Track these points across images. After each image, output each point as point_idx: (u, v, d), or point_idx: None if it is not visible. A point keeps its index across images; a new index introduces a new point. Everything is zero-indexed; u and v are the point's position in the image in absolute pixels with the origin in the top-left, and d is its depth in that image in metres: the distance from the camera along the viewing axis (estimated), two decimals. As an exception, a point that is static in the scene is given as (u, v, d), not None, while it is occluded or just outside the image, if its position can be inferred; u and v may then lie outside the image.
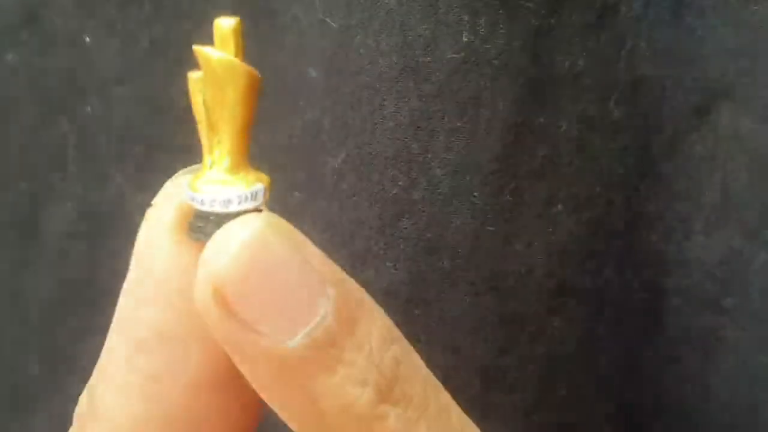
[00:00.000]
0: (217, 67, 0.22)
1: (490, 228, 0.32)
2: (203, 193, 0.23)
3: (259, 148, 0.37)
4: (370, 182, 0.32)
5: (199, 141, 0.23)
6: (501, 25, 0.31)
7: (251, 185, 0.23)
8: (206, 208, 0.23)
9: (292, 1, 0.35)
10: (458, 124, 0.31)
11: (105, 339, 0.25)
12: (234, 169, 0.23)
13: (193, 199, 0.23)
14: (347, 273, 0.33)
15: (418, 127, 0.31)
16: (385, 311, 0.31)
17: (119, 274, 0.25)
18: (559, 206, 0.32)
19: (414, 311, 0.32)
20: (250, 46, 0.37)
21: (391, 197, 0.32)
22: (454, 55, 0.31)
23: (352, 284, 0.23)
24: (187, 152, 0.33)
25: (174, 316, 0.24)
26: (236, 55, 0.23)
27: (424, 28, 0.31)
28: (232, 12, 0.36)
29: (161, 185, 0.25)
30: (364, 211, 0.32)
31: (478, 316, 0.32)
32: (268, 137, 0.37)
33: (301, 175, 0.36)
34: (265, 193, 0.23)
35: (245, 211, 0.23)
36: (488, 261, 0.32)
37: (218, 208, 0.23)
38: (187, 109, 0.23)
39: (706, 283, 0.34)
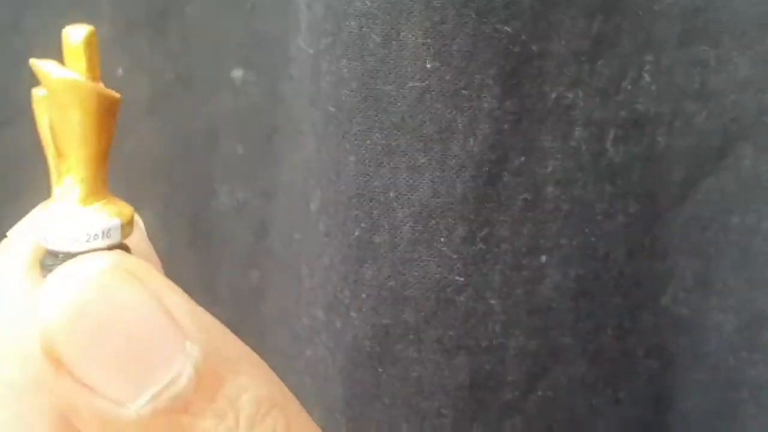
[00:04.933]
0: (58, 86, 0.19)
1: (459, 279, 0.28)
2: (49, 230, 0.20)
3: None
4: (337, 223, 0.29)
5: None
6: (473, 52, 0.27)
7: (105, 220, 0.20)
8: (52, 246, 0.20)
9: (297, 32, 0.32)
10: (422, 160, 0.28)
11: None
12: (86, 200, 0.20)
13: (40, 237, 0.20)
14: (320, 323, 0.30)
15: (380, 163, 0.28)
16: (350, 367, 0.28)
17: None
18: (543, 258, 0.28)
19: (377, 369, 0.29)
20: (264, 79, 0.34)
21: (354, 240, 0.28)
22: (417, 84, 0.27)
23: (224, 338, 0.20)
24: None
25: (30, 365, 0.21)
26: (88, 72, 0.20)
27: (385, 53, 0.27)
28: (239, 45, 0.34)
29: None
30: (334, 255, 0.29)
31: (446, 379, 0.29)
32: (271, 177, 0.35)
33: (296, 216, 0.33)
34: (122, 229, 0.20)
35: (96, 251, 0.20)
36: (458, 317, 0.28)
37: (65, 247, 0.20)
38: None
39: (725, 352, 0.30)
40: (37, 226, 0.20)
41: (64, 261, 0.20)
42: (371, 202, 0.28)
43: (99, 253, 0.19)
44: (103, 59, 0.39)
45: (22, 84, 0.33)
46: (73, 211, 0.20)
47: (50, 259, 0.20)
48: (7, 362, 0.21)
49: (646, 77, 0.29)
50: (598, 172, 0.29)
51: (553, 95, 0.28)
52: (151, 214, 0.37)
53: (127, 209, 0.20)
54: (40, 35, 0.33)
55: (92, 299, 0.19)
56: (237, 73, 0.35)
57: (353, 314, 0.29)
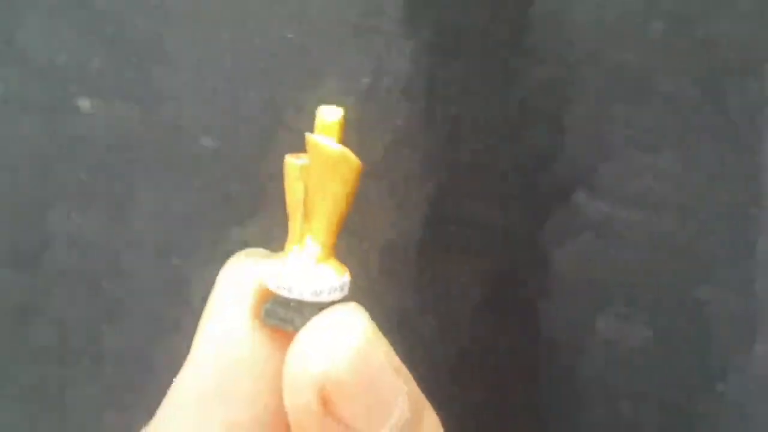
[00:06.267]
0: (331, 158, 0.22)
1: (412, 301, 0.34)
2: (292, 281, 0.23)
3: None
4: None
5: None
6: (429, 111, 0.33)
7: (340, 276, 0.23)
8: (294, 296, 0.23)
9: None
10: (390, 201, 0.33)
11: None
12: (322, 259, 0.23)
13: (279, 286, 0.23)
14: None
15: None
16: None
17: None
18: (464, 279, 0.35)
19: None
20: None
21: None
22: (389, 137, 0.32)
23: (413, 380, 0.24)
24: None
25: (254, 407, 0.23)
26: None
27: (362, 111, 0.32)
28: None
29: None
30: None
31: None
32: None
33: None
34: (350, 284, 0.23)
35: (332, 302, 0.23)
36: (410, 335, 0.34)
37: (308, 298, 0.23)
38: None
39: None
40: (270, 279, 0.23)
41: (297, 309, 0.23)
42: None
43: (353, 312, 0.23)
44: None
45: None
46: (314, 266, 0.23)
47: (281, 307, 0.23)
48: (235, 402, 0.23)
49: (524, 138, 0.36)
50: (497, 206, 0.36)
51: (469, 147, 0.35)
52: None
53: (345, 267, 0.24)
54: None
55: (365, 359, 0.22)
56: (83, 102, 0.36)
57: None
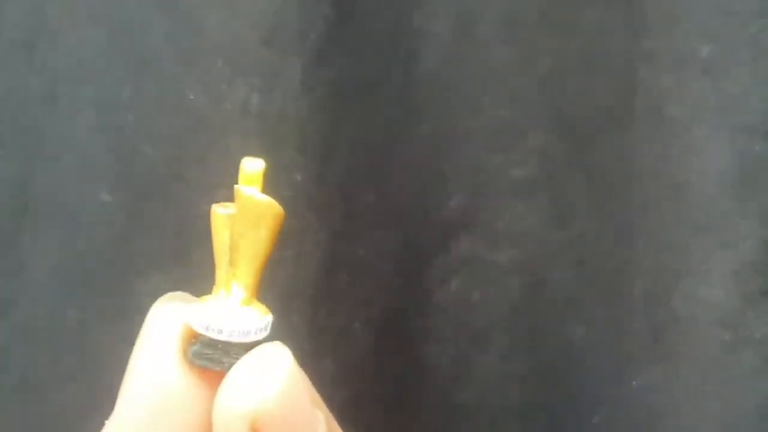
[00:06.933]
0: (258, 208, 0.24)
1: (307, 346, 0.35)
2: (222, 323, 0.24)
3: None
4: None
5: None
6: (324, 165, 0.35)
7: (264, 317, 0.25)
8: (223, 337, 0.24)
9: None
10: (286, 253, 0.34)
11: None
12: (247, 301, 0.25)
13: (208, 328, 0.24)
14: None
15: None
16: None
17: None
18: (356, 324, 0.37)
19: None
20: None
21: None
22: (287, 193, 0.34)
23: (324, 405, 0.26)
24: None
25: None
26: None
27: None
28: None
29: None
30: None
31: None
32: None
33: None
34: (272, 324, 0.25)
35: (257, 341, 0.25)
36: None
37: (237, 338, 0.24)
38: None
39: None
40: (198, 322, 0.24)
41: (224, 350, 0.24)
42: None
43: (278, 348, 0.24)
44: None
45: None
46: (241, 309, 0.25)
47: (208, 349, 0.24)
48: None
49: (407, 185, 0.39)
50: (385, 256, 0.38)
51: (362, 195, 0.37)
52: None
53: (267, 307, 0.25)
54: None
55: (292, 391, 0.24)
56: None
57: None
